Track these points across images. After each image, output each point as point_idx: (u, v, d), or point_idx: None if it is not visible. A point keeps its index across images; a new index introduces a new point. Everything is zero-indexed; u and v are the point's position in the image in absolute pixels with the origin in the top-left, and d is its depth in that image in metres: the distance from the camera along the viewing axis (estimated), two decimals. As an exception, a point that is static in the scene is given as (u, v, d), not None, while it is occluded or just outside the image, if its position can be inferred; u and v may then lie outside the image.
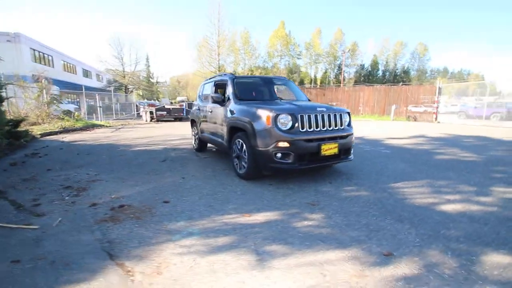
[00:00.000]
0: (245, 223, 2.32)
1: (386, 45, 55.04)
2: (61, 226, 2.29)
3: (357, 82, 48.31)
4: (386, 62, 55.28)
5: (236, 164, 3.77)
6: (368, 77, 52.70)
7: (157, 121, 16.17)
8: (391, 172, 4.03)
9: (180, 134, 9.35)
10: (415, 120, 17.48)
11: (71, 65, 28.47)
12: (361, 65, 54.47)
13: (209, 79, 5.59)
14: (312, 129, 3.29)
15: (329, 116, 3.43)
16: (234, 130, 3.84)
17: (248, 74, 50.23)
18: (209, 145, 6.17)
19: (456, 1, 71.45)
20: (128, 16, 76.48)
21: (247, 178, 3.58)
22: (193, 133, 6.04)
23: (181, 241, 2.02)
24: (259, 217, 2.44)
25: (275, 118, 3.15)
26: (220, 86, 4.86)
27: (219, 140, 4.44)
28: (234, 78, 4.37)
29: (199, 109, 5.52)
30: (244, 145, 3.49)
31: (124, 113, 19.21)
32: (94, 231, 2.19)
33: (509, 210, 2.59)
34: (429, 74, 56.82)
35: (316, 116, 3.33)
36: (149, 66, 34.29)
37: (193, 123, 6.01)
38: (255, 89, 4.57)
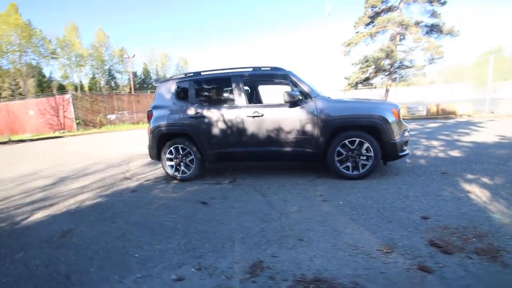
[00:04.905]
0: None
1: (153, 55, 57.63)
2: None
3: (134, 89, 46.56)
4: (157, 71, 58.09)
5: (344, 167, 3.39)
6: (143, 84, 52.50)
7: None
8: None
9: (71, 169, 4.76)
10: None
11: None
12: (134, 72, 52.78)
13: (195, 75, 3.82)
14: None
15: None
16: (338, 130, 3.38)
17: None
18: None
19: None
20: None
21: (364, 177, 3.40)
22: (169, 156, 3.76)
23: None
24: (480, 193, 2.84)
25: (399, 111, 3.39)
26: (252, 83, 3.64)
27: (288, 149, 3.49)
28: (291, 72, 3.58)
29: (200, 117, 3.61)
30: (366, 142, 3.29)
31: None
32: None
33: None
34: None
35: None
36: None
37: (171, 139, 3.76)
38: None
